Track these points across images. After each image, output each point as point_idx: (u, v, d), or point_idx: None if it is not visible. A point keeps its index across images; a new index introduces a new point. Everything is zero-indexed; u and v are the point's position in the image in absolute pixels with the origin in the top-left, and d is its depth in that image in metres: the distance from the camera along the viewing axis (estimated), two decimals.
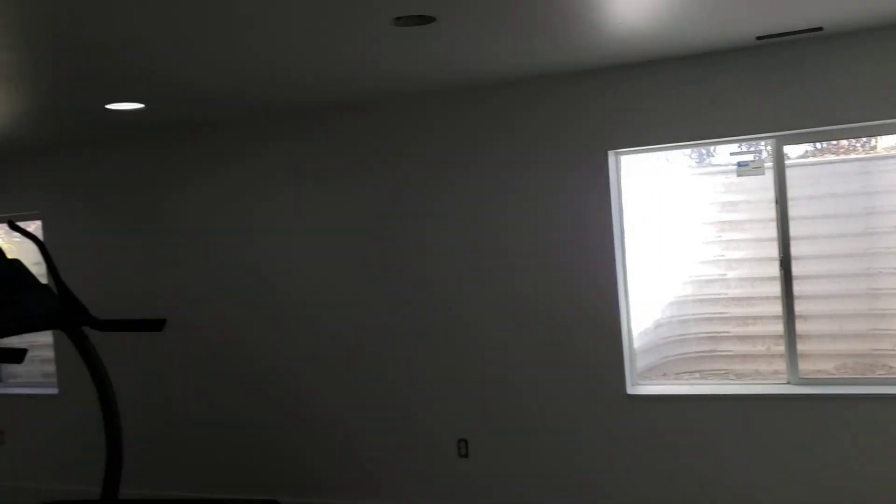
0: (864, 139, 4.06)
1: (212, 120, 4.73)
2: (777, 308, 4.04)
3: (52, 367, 5.70)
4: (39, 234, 5.55)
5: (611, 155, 4.13)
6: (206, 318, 5.06)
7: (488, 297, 4.38)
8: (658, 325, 4.44)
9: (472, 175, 4.38)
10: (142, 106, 4.07)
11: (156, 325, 4.53)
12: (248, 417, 5.00)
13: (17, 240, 4.88)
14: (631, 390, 4.17)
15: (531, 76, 4.06)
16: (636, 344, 4.28)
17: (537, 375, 4.30)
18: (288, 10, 2.57)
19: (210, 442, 5.11)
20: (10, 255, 4.56)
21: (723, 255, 4.25)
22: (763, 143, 4.00)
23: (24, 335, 5.13)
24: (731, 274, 4.25)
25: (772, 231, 4.03)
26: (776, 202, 3.98)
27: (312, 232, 4.77)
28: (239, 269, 4.96)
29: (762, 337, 4.19)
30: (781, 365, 4.07)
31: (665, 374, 4.38)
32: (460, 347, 4.46)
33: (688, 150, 4.29)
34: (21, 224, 5.36)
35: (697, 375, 4.33)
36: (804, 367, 4.01)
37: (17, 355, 3.59)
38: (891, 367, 3.96)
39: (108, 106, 4.01)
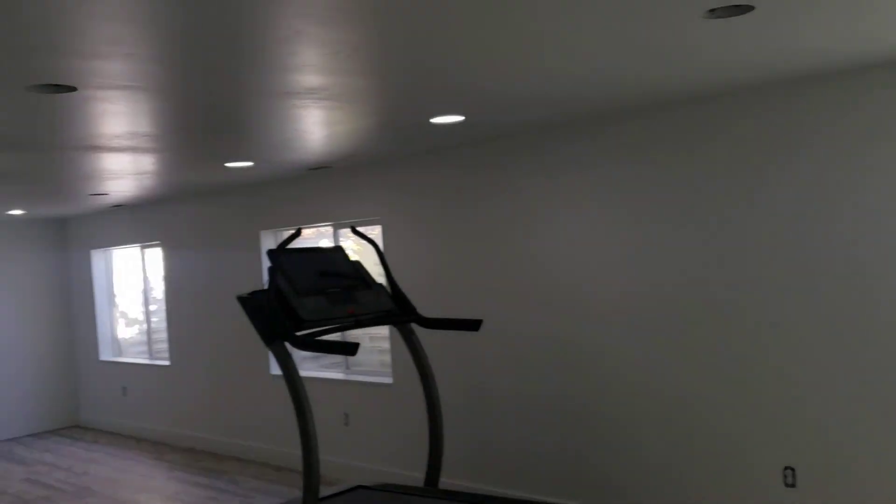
0: None
1: (526, 127, 4.85)
2: None
3: (388, 358, 6.26)
4: (379, 239, 6.14)
5: None
6: (522, 320, 5.20)
7: (819, 313, 3.92)
8: None
9: (791, 178, 3.95)
10: (462, 118, 4.30)
11: (473, 325, 4.77)
12: (558, 422, 5.04)
13: (365, 243, 5.43)
14: None
15: (866, 65, 3.54)
16: None
17: (881, 401, 3.75)
18: (595, 8, 2.51)
19: (523, 440, 5.24)
20: (353, 257, 5.11)
21: None
22: None
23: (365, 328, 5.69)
24: None
25: None
26: None
27: (628, 238, 4.66)
28: (557, 272, 5.02)
29: None
30: None
31: None
32: (788, 364, 4.05)
33: None
34: (363, 229, 5.95)
35: None
36: None
37: (351, 348, 3.99)
38: None
39: (432, 120, 4.28)
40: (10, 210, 7.99)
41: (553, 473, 5.08)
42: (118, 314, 9.48)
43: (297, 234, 4.61)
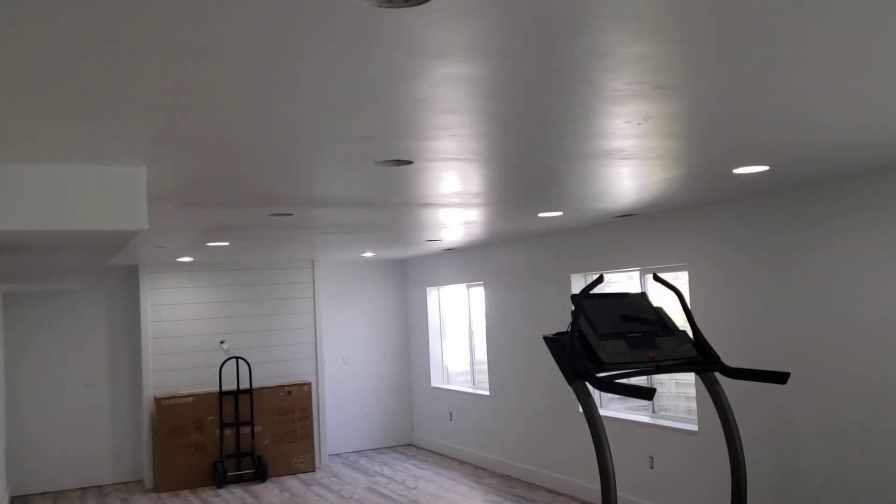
0: None
1: (837, 175, 4.66)
2: None
3: (695, 405, 6.26)
4: (686, 286, 6.21)
5: None
6: (835, 375, 4.95)
7: None
8: None
9: None
10: (766, 168, 4.30)
11: (780, 377, 4.66)
12: (880, 488, 4.69)
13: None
14: None
15: None
16: None
17: None
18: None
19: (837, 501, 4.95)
20: (655, 303, 5.27)
21: None
22: None
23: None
24: None
25: None
26: None
27: None
28: (873, 326, 4.73)
29: None
30: None
31: None
32: None
33: None
34: (668, 275, 6.06)
35: None
36: None
37: (648, 393, 4.17)
38: None
39: (735, 170, 4.35)
40: (364, 253, 9.34)
41: None
42: (447, 345, 10.51)
43: (600, 279, 4.91)
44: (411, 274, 10.98)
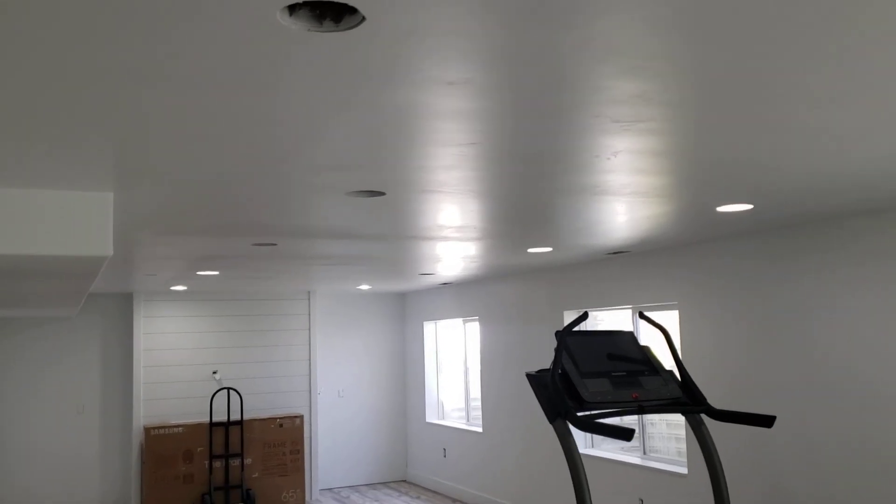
0: None
1: (825, 214, 4.60)
2: None
3: (685, 447, 6.13)
4: (676, 324, 6.11)
5: None
6: (820, 418, 4.83)
7: None
8: None
9: None
10: (751, 207, 4.24)
11: (766, 420, 4.55)
12: None
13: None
14: None
15: None
16: None
17: None
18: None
19: None
20: (643, 342, 5.19)
21: None
22: None
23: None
24: None
25: None
26: None
27: None
28: (863, 369, 4.62)
29: None
30: None
31: None
32: None
33: None
34: (659, 313, 5.96)
35: None
36: None
37: (626, 434, 4.07)
38: None
39: (718, 209, 4.29)
40: (360, 285, 9.29)
41: None
42: (443, 380, 10.40)
43: (584, 317, 4.83)
44: (409, 308, 10.91)
